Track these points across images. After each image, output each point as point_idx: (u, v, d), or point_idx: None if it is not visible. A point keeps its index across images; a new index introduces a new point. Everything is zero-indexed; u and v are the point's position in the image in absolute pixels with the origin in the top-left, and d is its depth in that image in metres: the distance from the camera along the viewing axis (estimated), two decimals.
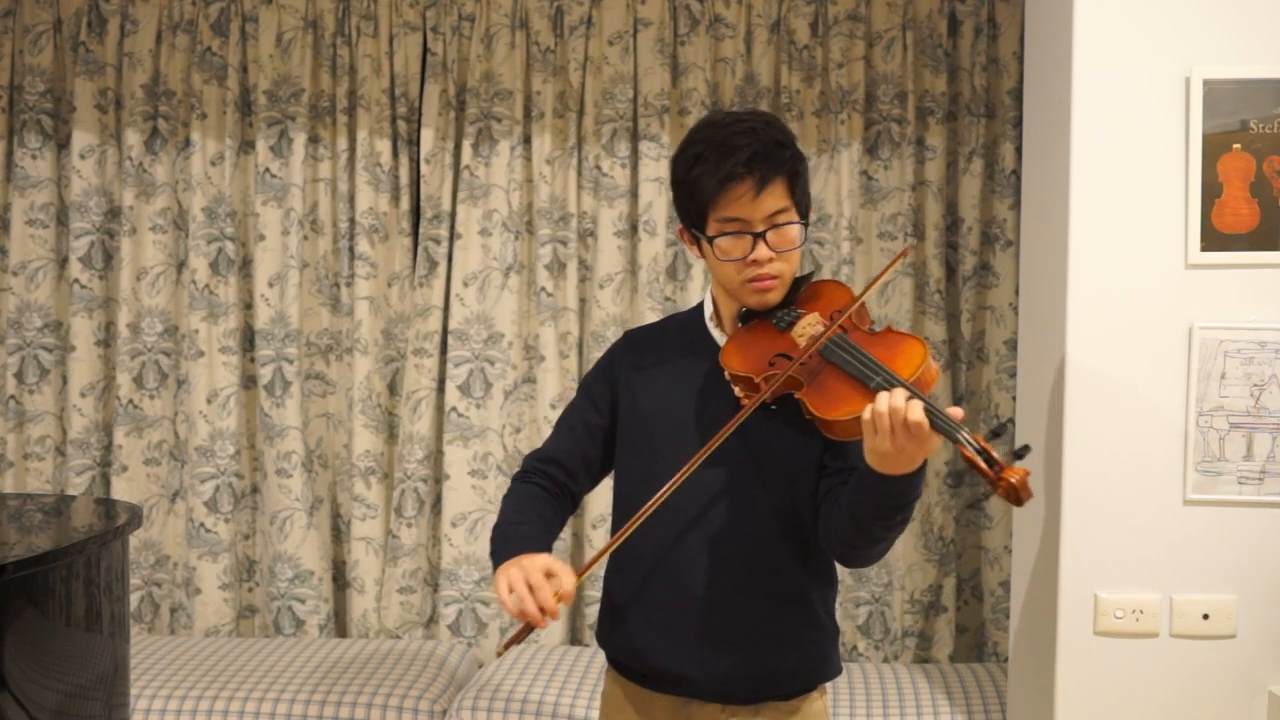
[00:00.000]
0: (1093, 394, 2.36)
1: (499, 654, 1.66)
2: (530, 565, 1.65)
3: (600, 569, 1.91)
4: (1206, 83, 2.30)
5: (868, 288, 1.79)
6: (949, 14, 3.23)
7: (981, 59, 3.22)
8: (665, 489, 1.68)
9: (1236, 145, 2.31)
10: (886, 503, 1.61)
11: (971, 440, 1.48)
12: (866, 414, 1.52)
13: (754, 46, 3.26)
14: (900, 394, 1.51)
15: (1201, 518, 2.34)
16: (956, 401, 3.27)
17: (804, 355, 1.67)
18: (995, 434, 1.51)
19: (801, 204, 1.78)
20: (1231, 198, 2.31)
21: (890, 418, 1.50)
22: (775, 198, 1.73)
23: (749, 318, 1.80)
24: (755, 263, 1.74)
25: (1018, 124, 3.17)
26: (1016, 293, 3.11)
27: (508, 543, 1.77)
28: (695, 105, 3.26)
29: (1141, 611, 2.35)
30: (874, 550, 1.72)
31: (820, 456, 1.78)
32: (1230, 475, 2.33)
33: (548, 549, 1.78)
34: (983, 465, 1.47)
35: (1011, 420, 1.49)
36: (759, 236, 1.73)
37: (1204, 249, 2.32)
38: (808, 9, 3.25)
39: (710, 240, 1.75)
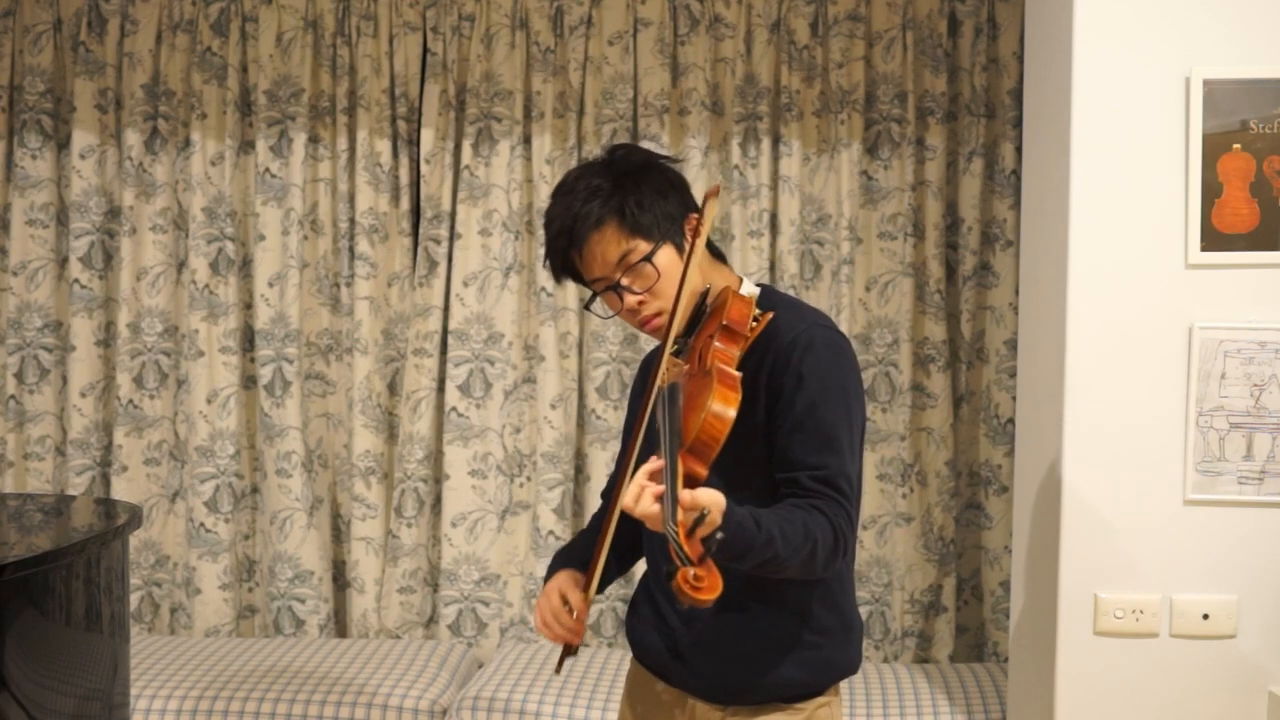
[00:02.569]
0: (1093, 394, 2.36)
1: (556, 672, 1.88)
2: (550, 590, 1.80)
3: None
4: (1206, 83, 2.30)
5: (687, 257, 1.68)
6: (949, 14, 3.23)
7: (981, 59, 3.22)
8: (612, 502, 1.71)
9: (1236, 145, 2.31)
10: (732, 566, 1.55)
11: (674, 532, 1.39)
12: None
13: (754, 46, 3.26)
14: (633, 488, 1.45)
15: (1201, 518, 2.34)
16: (957, 402, 3.28)
17: (647, 403, 1.64)
18: (698, 523, 1.42)
19: (651, 231, 1.71)
20: (1231, 198, 2.31)
21: (628, 508, 1.47)
22: (609, 247, 1.72)
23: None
24: (631, 311, 1.75)
25: (1018, 124, 3.17)
26: (1016, 293, 3.11)
27: (555, 558, 1.95)
28: (695, 105, 3.26)
29: (1141, 611, 2.35)
30: (785, 577, 1.66)
31: (768, 453, 1.73)
32: (1230, 475, 2.33)
33: (574, 559, 1.87)
34: (674, 556, 1.39)
35: (703, 515, 1.42)
36: (616, 288, 1.74)
37: (1204, 249, 2.32)
38: (808, 9, 3.25)
39: (595, 302, 1.82)
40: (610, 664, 3.08)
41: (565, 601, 1.78)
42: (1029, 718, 2.59)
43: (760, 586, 1.77)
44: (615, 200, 1.72)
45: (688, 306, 1.72)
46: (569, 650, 1.79)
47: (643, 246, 1.72)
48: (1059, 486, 2.39)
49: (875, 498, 3.25)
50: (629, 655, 2.00)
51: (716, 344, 1.65)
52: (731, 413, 1.52)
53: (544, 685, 2.90)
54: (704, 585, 1.37)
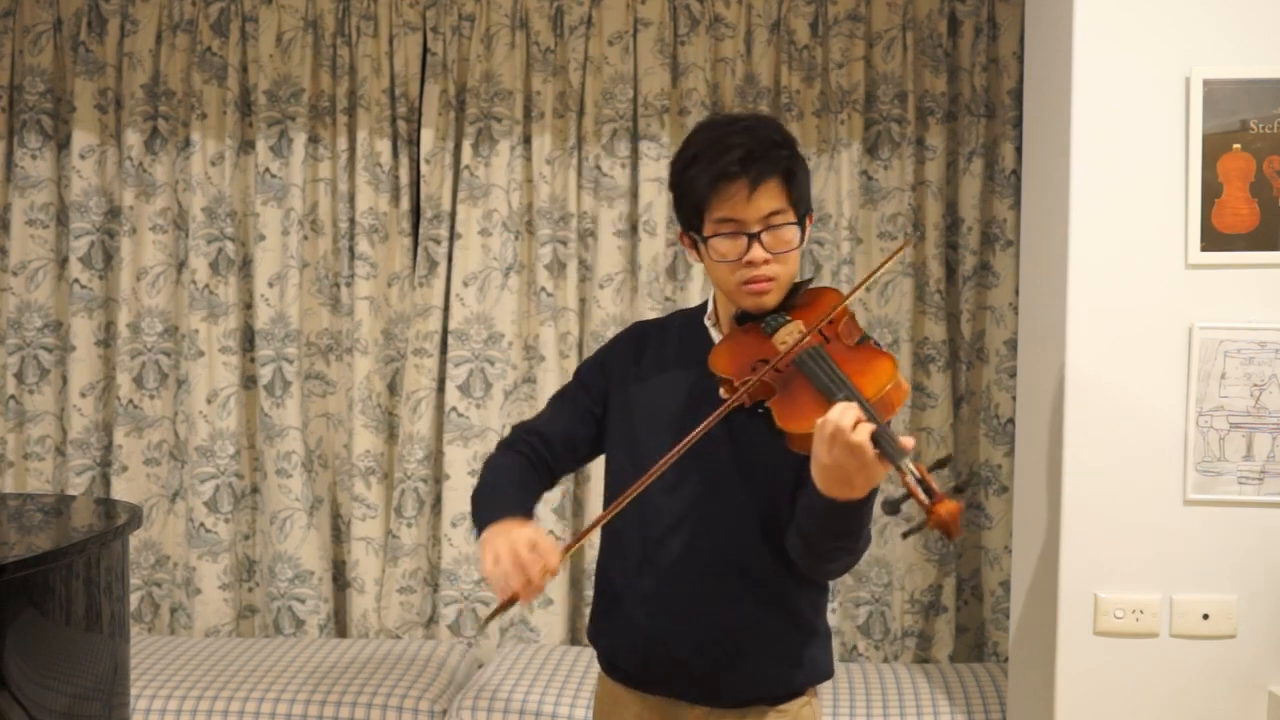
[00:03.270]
0: (1093, 394, 2.36)
1: (481, 628, 1.67)
2: (517, 537, 1.64)
3: (589, 564, 1.91)
4: (1206, 83, 2.30)
5: (852, 293, 1.77)
6: (949, 14, 3.23)
7: (981, 59, 3.22)
8: (638, 484, 1.66)
9: (1236, 145, 2.31)
10: (829, 527, 1.59)
11: (913, 469, 1.44)
12: (818, 422, 1.49)
13: (754, 46, 3.26)
14: (852, 412, 1.47)
15: (1201, 518, 2.34)
16: (957, 402, 3.28)
17: (776, 363, 1.65)
18: (940, 464, 1.47)
19: (799, 206, 1.75)
20: (1231, 198, 2.31)
21: (835, 433, 1.46)
22: (770, 198, 1.71)
23: (744, 319, 1.79)
24: (750, 264, 1.72)
25: (1018, 124, 3.17)
26: (1016, 293, 3.11)
27: (491, 504, 1.77)
28: (695, 105, 3.26)
29: (1141, 611, 2.35)
30: (829, 567, 1.70)
31: (801, 462, 1.75)
32: (1230, 475, 2.33)
33: (530, 513, 1.78)
34: (920, 494, 1.43)
35: (951, 457, 1.46)
36: (754, 237, 1.71)
37: (1204, 249, 2.32)
38: (808, 9, 3.25)
39: (706, 241, 1.73)
40: None
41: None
42: (1029, 718, 2.59)
43: (755, 585, 1.78)
44: (792, 163, 1.74)
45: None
46: (510, 603, 1.63)
47: (792, 214, 1.74)
48: (1059, 486, 2.39)
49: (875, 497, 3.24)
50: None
51: (858, 332, 1.74)
52: (905, 395, 1.61)
53: (544, 685, 2.90)
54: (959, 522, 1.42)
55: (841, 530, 1.59)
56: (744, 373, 1.69)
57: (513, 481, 1.86)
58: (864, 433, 1.45)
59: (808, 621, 1.84)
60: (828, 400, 1.54)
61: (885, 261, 1.86)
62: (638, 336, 1.96)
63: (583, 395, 1.93)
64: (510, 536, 1.65)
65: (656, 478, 1.67)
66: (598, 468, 3.26)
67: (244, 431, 3.41)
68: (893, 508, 1.42)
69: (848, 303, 1.75)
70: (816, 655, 1.86)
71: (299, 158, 3.33)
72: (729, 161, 1.69)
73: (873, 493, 1.56)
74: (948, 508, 1.40)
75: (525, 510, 1.78)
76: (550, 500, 3.28)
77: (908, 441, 1.46)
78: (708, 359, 1.76)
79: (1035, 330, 2.63)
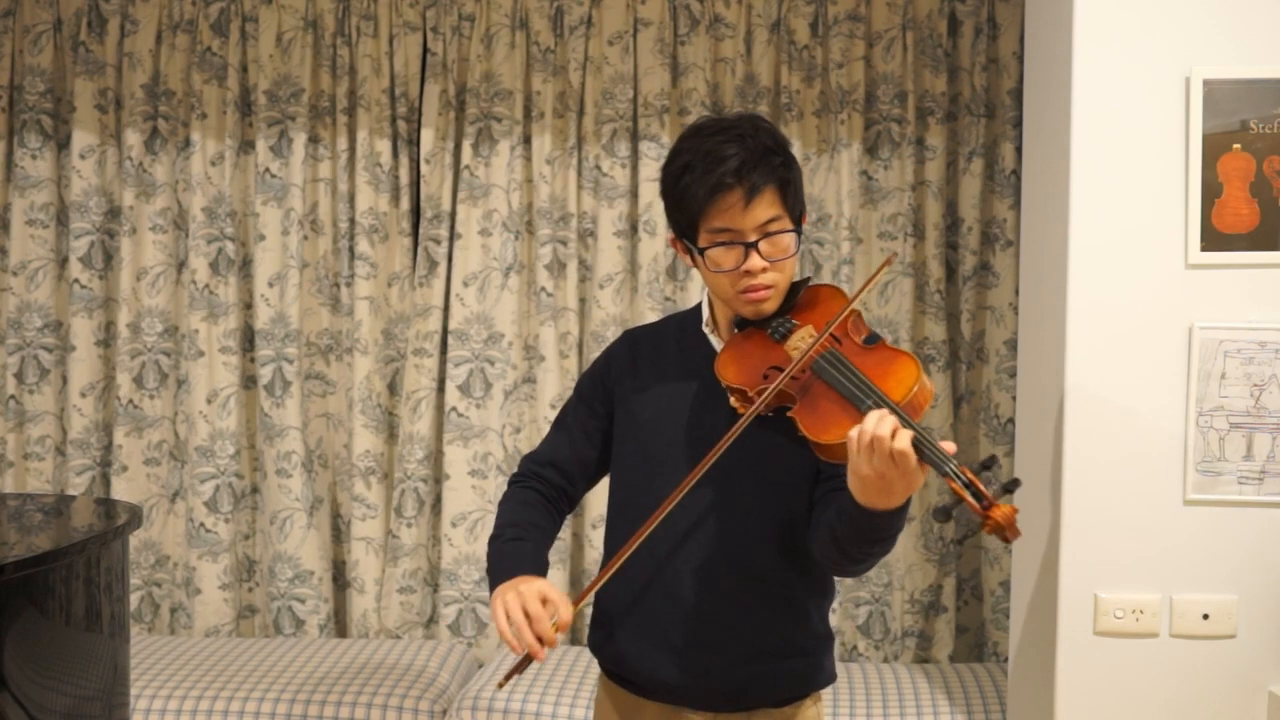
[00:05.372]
0: (1093, 395, 2.36)
1: (500, 686, 1.66)
2: (527, 591, 1.63)
3: (590, 566, 1.90)
4: (1206, 83, 2.30)
5: (856, 295, 1.75)
6: (949, 14, 3.23)
7: (981, 59, 3.22)
8: (660, 509, 1.65)
9: (1236, 145, 2.31)
10: (866, 534, 1.57)
11: (960, 474, 1.42)
12: (852, 434, 1.46)
13: (754, 46, 3.26)
14: (889, 420, 1.45)
15: (1201, 518, 2.34)
16: (957, 402, 3.28)
17: (793, 370, 1.63)
18: (985, 467, 1.44)
19: (794, 211, 1.74)
20: (1231, 198, 2.31)
21: (874, 443, 1.44)
22: (766, 206, 1.69)
23: (745, 324, 1.78)
24: (748, 274, 1.70)
25: (1018, 124, 3.17)
26: (1016, 293, 3.11)
27: (504, 561, 1.76)
28: (695, 105, 3.26)
29: (1141, 611, 2.35)
30: (858, 568, 1.69)
31: (816, 463, 1.74)
32: (1230, 475, 2.33)
33: (544, 565, 1.77)
34: (971, 500, 1.41)
35: (995, 458, 1.44)
36: (751, 247, 1.69)
37: (1204, 249, 2.32)
38: (808, 9, 3.25)
39: (702, 252, 1.72)
40: None
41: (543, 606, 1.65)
42: (1029, 718, 2.59)
43: (769, 591, 1.78)
44: (786, 170, 1.72)
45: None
46: (527, 662, 1.62)
47: (788, 222, 1.72)
48: (1059, 486, 2.39)
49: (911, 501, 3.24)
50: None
51: (871, 334, 1.71)
52: (930, 394, 1.58)
53: (544, 685, 2.90)
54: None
55: (878, 536, 1.58)
56: (756, 381, 1.67)
57: (528, 528, 1.83)
58: (904, 440, 1.43)
59: (816, 627, 1.84)
60: (856, 408, 1.52)
61: (876, 274, 1.83)
62: (631, 345, 1.93)
63: (587, 416, 1.91)
64: (520, 590, 1.64)
65: (664, 490, 1.67)
66: None
67: (244, 431, 3.41)
68: (944, 515, 1.40)
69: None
70: (822, 660, 1.86)
71: (299, 158, 3.33)
72: (724, 172, 1.67)
73: (909, 500, 1.54)
74: (1003, 512, 1.39)
75: (540, 562, 1.77)
76: None
77: (949, 446, 1.45)
78: (714, 368, 1.75)
79: (1035, 330, 2.63)
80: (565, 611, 1.62)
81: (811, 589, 1.82)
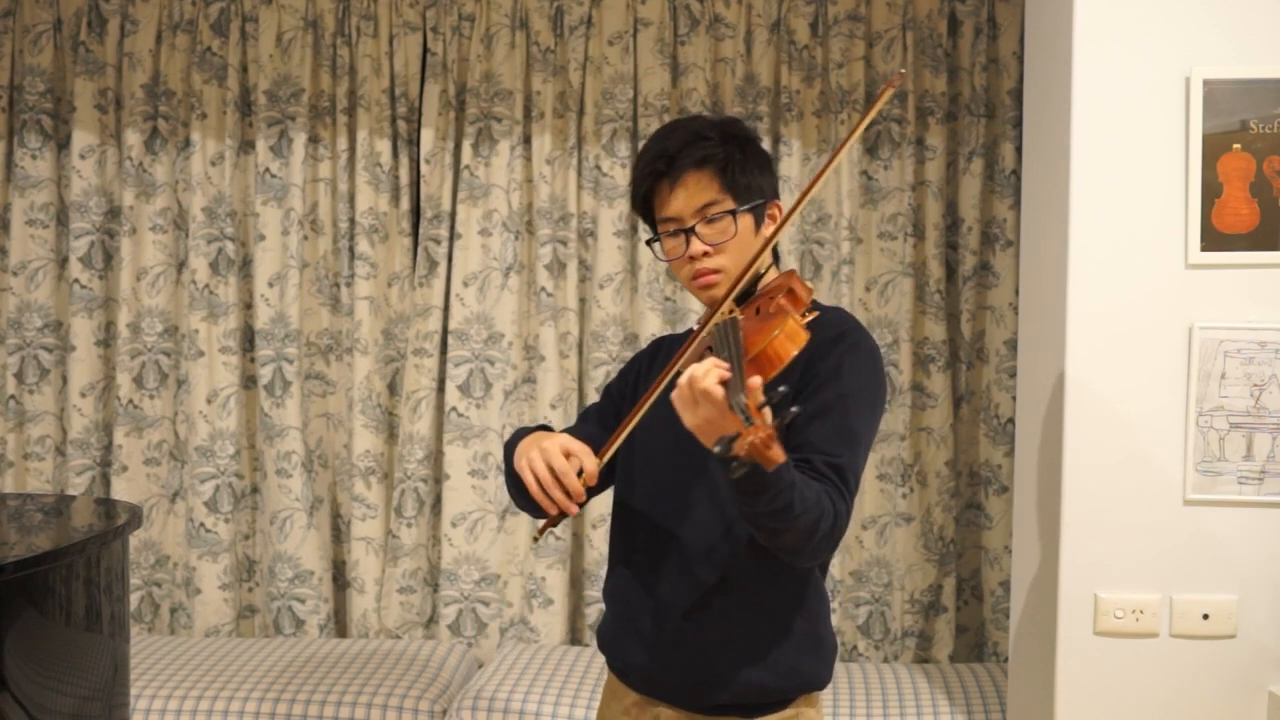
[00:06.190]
0: (1093, 394, 2.36)
1: (535, 540, 1.67)
2: (550, 447, 1.64)
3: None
4: (1206, 83, 2.30)
5: (859, 126, 1.72)
6: (949, 14, 3.23)
7: (981, 59, 3.22)
8: (621, 429, 1.69)
9: (1236, 145, 2.31)
10: (744, 504, 1.52)
11: (742, 402, 1.36)
12: (681, 381, 1.46)
13: (754, 46, 3.26)
14: (706, 364, 1.43)
15: (1201, 518, 2.34)
16: (957, 402, 3.28)
17: (694, 339, 1.67)
18: (771, 396, 1.37)
19: (742, 194, 1.74)
20: (1231, 198, 2.31)
21: (688, 381, 1.44)
22: (699, 191, 1.73)
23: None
24: (691, 259, 1.74)
25: (1018, 124, 3.17)
26: (1016, 293, 3.11)
27: (520, 434, 1.82)
28: (695, 105, 3.26)
29: (1141, 611, 2.35)
30: (779, 543, 1.60)
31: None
32: (1230, 475, 2.33)
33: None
34: (740, 423, 1.34)
35: (788, 394, 1.37)
36: (688, 232, 1.74)
37: (1204, 249, 2.32)
38: (808, 9, 3.25)
39: (657, 242, 1.78)
40: None
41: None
42: (1029, 718, 2.59)
43: (738, 585, 1.76)
44: (721, 151, 1.74)
45: (745, 282, 1.73)
46: (558, 519, 1.64)
47: (728, 203, 1.74)
48: (1059, 486, 2.39)
49: (875, 498, 3.25)
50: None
51: (781, 301, 1.68)
52: (801, 341, 1.54)
53: (544, 685, 2.90)
54: (774, 448, 1.32)
55: (756, 508, 1.50)
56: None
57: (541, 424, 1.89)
58: (712, 379, 1.41)
59: (794, 630, 1.77)
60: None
61: (883, 95, 1.74)
62: (654, 348, 2.00)
63: (608, 406, 1.96)
64: (543, 445, 1.66)
65: (645, 485, 1.74)
66: None
67: (244, 431, 3.41)
68: (725, 444, 1.31)
69: (793, 216, 1.72)
70: (801, 665, 1.77)
71: (299, 158, 3.33)
72: (649, 160, 1.75)
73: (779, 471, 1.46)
74: (750, 434, 1.31)
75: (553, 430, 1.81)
76: None
77: (754, 382, 1.39)
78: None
79: (1035, 330, 2.63)
80: (589, 463, 1.64)
81: (789, 592, 1.76)
